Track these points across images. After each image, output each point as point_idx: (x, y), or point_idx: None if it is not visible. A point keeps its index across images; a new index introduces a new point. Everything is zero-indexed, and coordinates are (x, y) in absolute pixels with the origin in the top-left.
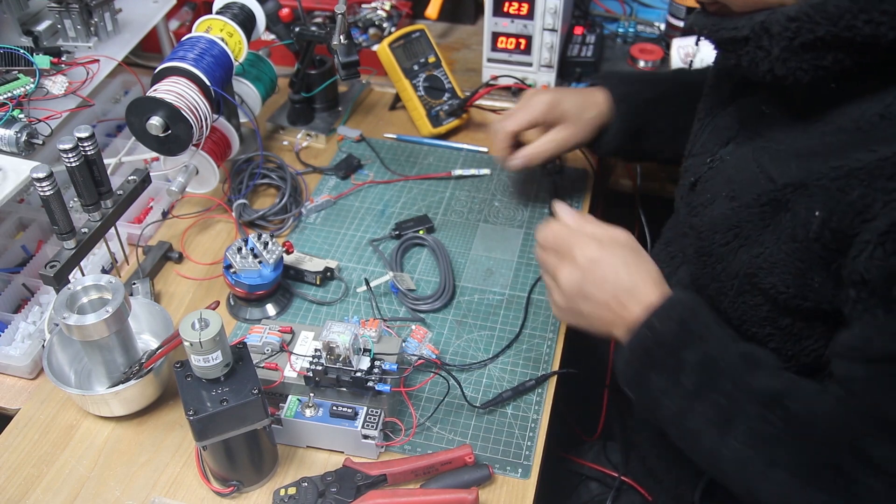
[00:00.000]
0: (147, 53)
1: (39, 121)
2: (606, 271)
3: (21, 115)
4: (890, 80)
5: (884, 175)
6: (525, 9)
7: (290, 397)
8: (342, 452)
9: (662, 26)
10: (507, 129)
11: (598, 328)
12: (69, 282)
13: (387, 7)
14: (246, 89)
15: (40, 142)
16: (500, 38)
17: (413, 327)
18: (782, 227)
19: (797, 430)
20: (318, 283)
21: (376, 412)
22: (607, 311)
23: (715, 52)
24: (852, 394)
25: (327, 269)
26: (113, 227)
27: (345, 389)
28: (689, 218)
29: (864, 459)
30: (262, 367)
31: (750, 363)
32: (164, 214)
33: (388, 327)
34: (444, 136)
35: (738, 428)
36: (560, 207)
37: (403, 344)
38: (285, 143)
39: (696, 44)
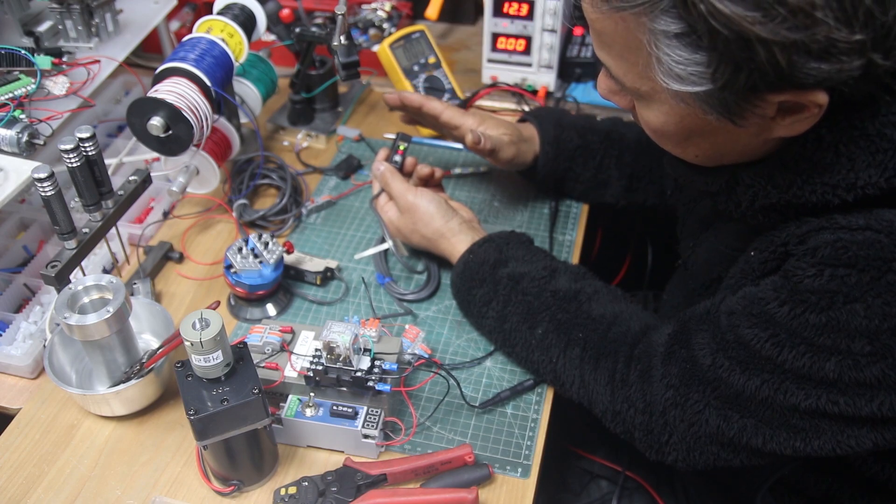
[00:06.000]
0: (148, 54)
1: (41, 121)
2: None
3: (22, 116)
4: None
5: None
6: (525, 9)
7: (290, 397)
8: (342, 452)
9: None
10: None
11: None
12: (70, 282)
13: (387, 8)
14: (246, 90)
15: (41, 142)
16: (500, 39)
17: (406, 327)
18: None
19: (588, 317)
20: (318, 283)
21: (376, 412)
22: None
23: None
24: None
25: (327, 269)
26: (114, 228)
27: (345, 389)
28: (686, 298)
29: (683, 342)
30: (263, 367)
31: (551, 271)
32: (165, 214)
33: (383, 326)
34: (444, 137)
35: (542, 320)
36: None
37: None
38: (286, 143)
39: None
